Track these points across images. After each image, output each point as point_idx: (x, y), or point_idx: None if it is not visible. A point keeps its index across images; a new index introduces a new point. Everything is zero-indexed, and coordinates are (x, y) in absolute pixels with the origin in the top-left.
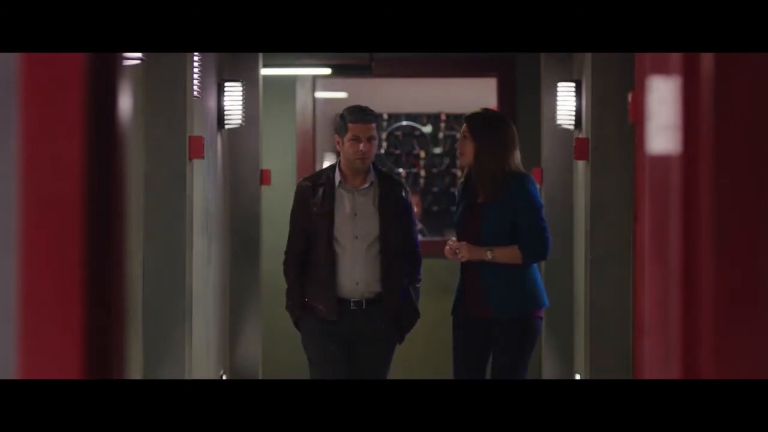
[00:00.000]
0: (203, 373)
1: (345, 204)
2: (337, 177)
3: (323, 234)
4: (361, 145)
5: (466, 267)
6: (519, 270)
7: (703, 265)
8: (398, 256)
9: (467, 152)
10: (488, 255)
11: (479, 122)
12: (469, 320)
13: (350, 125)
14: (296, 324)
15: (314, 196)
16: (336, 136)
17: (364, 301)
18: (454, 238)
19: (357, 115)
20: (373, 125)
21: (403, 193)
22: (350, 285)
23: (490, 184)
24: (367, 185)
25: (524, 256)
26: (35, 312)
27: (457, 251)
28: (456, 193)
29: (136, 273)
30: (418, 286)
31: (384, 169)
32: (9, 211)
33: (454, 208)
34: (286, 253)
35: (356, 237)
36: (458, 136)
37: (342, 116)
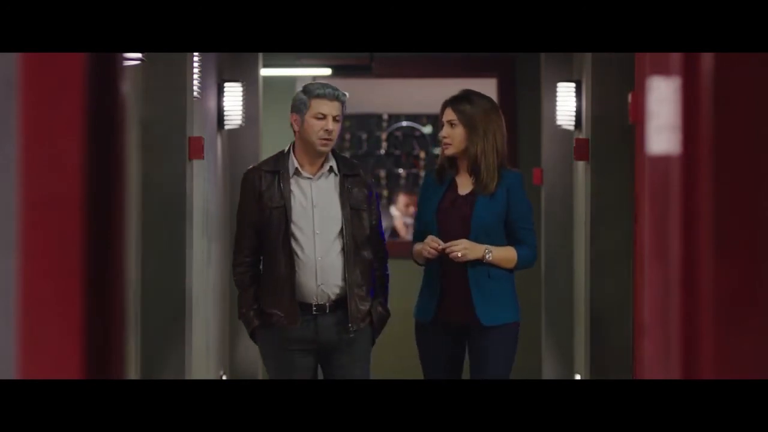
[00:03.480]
0: (203, 373)
1: (302, 195)
2: (292, 163)
3: (279, 230)
4: (327, 124)
5: (447, 270)
6: (506, 277)
7: (703, 265)
8: (364, 251)
9: (456, 140)
10: (488, 255)
11: (468, 105)
12: (446, 327)
13: (314, 101)
14: (252, 335)
15: (266, 186)
16: (294, 114)
17: (327, 305)
18: (434, 237)
19: (324, 90)
20: (341, 105)
21: (366, 178)
22: (311, 287)
23: (484, 174)
24: (326, 172)
25: (519, 260)
26: (35, 312)
27: (453, 249)
28: (426, 186)
29: (136, 273)
30: (386, 283)
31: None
32: (9, 211)
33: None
34: (236, 253)
35: (317, 232)
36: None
37: (304, 90)
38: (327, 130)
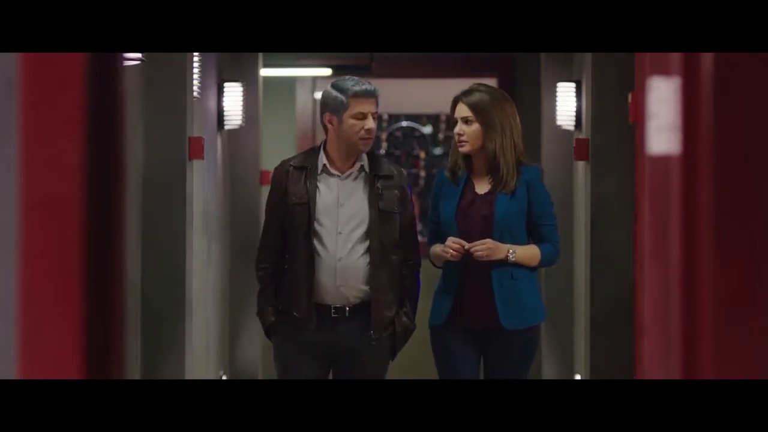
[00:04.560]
0: (203, 373)
1: (329, 192)
2: (322, 160)
3: (301, 227)
4: (367, 123)
5: (467, 271)
6: (529, 276)
7: (703, 265)
8: (391, 255)
9: (473, 138)
10: (511, 256)
11: (482, 101)
12: (465, 331)
13: (353, 99)
14: (267, 333)
15: (293, 182)
16: (328, 114)
17: (347, 308)
18: (455, 239)
19: (361, 87)
20: (377, 100)
21: (401, 180)
22: (331, 288)
23: (504, 171)
24: (356, 170)
25: (543, 258)
26: (35, 312)
27: (478, 249)
28: (440, 185)
29: (136, 273)
30: (416, 294)
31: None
32: (9, 211)
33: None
34: (260, 248)
35: (340, 232)
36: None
37: (339, 89)
38: (368, 129)
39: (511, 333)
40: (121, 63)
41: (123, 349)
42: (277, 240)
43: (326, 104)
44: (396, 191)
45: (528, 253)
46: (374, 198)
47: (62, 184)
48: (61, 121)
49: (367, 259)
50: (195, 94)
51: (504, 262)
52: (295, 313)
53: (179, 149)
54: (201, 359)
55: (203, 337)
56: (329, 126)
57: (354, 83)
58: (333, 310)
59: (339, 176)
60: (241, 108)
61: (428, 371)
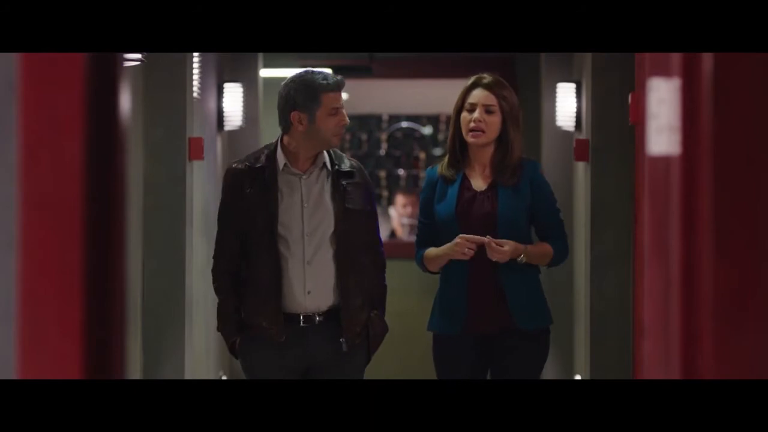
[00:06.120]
0: (203, 373)
1: (292, 193)
2: (281, 159)
3: (264, 231)
4: (342, 117)
5: (474, 273)
6: (536, 275)
7: (703, 265)
8: (359, 256)
9: (492, 129)
10: (522, 257)
11: (509, 92)
12: (474, 337)
13: (325, 96)
14: (233, 350)
15: (250, 184)
16: (297, 113)
17: (316, 316)
18: (465, 236)
19: (332, 80)
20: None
21: (364, 175)
22: (300, 295)
23: (509, 166)
24: (317, 168)
25: (555, 256)
26: (35, 312)
27: (500, 249)
28: (431, 185)
29: (136, 273)
30: (384, 294)
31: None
32: (9, 211)
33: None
34: (216, 258)
35: (307, 234)
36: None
37: (308, 85)
38: (343, 124)
39: (526, 333)
40: (121, 63)
41: (123, 349)
42: (236, 246)
43: (294, 102)
44: (360, 187)
45: (537, 251)
46: (340, 196)
47: (62, 184)
48: (61, 121)
49: (335, 262)
50: (195, 94)
51: (512, 262)
52: (263, 325)
53: (179, 150)
54: (201, 359)
55: (203, 337)
56: (298, 126)
57: (323, 77)
58: (302, 319)
59: (300, 175)
60: (241, 108)
61: (423, 372)
